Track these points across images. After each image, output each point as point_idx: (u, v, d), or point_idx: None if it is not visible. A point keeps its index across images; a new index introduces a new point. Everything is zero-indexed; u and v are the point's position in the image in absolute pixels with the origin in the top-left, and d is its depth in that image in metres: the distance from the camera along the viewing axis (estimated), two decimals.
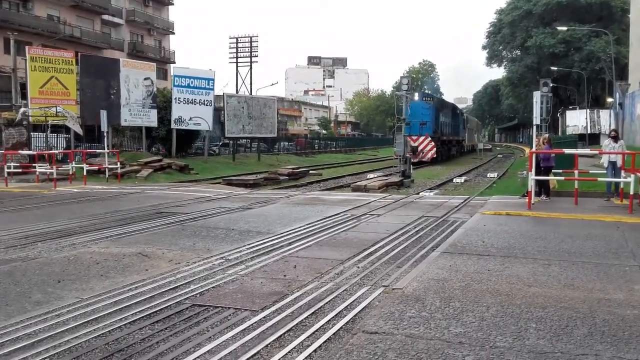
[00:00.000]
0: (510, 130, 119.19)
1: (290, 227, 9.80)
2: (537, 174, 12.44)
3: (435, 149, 35.39)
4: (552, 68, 50.25)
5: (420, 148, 34.81)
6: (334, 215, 11.39)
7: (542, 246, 7.91)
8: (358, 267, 6.73)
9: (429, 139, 35.44)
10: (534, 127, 13.22)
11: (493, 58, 65.89)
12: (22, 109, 23.79)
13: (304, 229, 9.58)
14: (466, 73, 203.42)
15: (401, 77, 30.53)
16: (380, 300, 5.35)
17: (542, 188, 13.49)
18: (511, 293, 5.54)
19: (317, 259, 7.18)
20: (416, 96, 34.61)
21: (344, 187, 20.94)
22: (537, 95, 13.18)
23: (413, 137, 33.35)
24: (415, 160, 30.93)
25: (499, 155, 55.54)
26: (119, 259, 7.23)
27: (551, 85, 17.92)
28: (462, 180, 24.17)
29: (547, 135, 14.93)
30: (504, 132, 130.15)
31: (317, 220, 10.59)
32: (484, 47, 65.92)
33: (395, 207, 12.94)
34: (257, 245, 8.12)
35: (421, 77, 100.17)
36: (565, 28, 46.60)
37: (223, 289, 5.80)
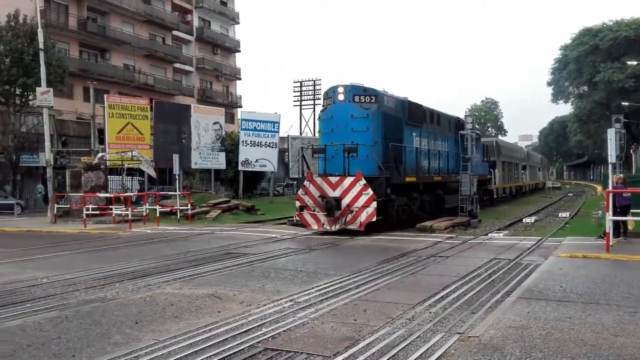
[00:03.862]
0: (579, 168, 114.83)
1: (357, 268, 9.74)
2: (614, 214, 11.86)
3: (374, 202, 15.69)
4: (623, 103, 48.40)
5: (345, 201, 15.95)
6: (401, 256, 11.24)
7: (625, 292, 7.47)
8: (430, 312, 6.57)
9: (363, 182, 15.78)
10: (610, 166, 12.65)
11: (559, 94, 64.15)
12: (100, 154, 25.16)
13: (371, 271, 9.49)
14: (530, 110, 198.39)
15: (465, 115, 28.13)
16: (457, 348, 5.18)
17: (620, 229, 12.84)
18: (597, 343, 5.24)
19: (387, 303, 7.07)
20: (339, 94, 16.96)
21: (409, 227, 20.67)
22: (611, 133, 12.65)
23: (330, 177, 16.27)
24: (331, 228, 15.93)
25: (569, 194, 53.29)
26: (192, 300, 7.39)
27: (623, 120, 17.13)
28: (533, 220, 23.30)
29: (622, 175, 14.26)
30: (573, 170, 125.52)
31: (384, 262, 10.48)
32: (549, 84, 64.39)
33: (463, 248, 12.63)
34: (325, 288, 8.10)
35: (484, 114, 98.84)
36: (634, 62, 44.92)
37: (294, 333, 5.80)
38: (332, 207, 15.92)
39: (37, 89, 23.46)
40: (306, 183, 16.57)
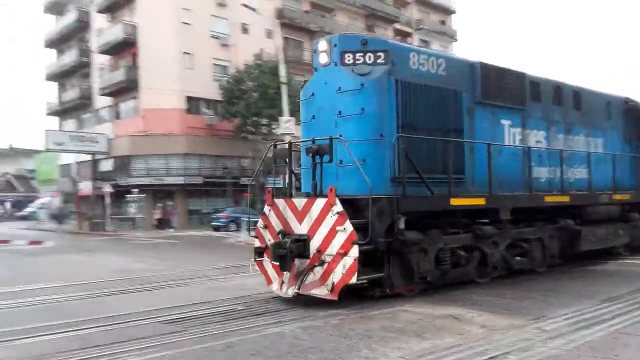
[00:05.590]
0: None
1: (608, 296, 8.79)
2: None
3: (356, 246, 7.97)
4: None
5: (314, 243, 8.65)
6: None
7: None
8: None
9: (337, 208, 8.28)
10: None
11: None
12: None
13: (626, 300, 8.48)
14: None
15: None
16: None
17: None
18: None
19: None
20: (321, 54, 9.55)
21: None
22: None
23: (296, 200, 9.20)
24: (287, 291, 8.78)
25: None
26: (431, 320, 7.43)
27: None
28: None
29: None
30: None
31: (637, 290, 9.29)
32: None
33: None
34: (574, 316, 7.46)
35: None
36: None
37: None
38: (284, 256, 8.64)
39: (280, 118, 26.15)
40: (266, 209, 9.65)
